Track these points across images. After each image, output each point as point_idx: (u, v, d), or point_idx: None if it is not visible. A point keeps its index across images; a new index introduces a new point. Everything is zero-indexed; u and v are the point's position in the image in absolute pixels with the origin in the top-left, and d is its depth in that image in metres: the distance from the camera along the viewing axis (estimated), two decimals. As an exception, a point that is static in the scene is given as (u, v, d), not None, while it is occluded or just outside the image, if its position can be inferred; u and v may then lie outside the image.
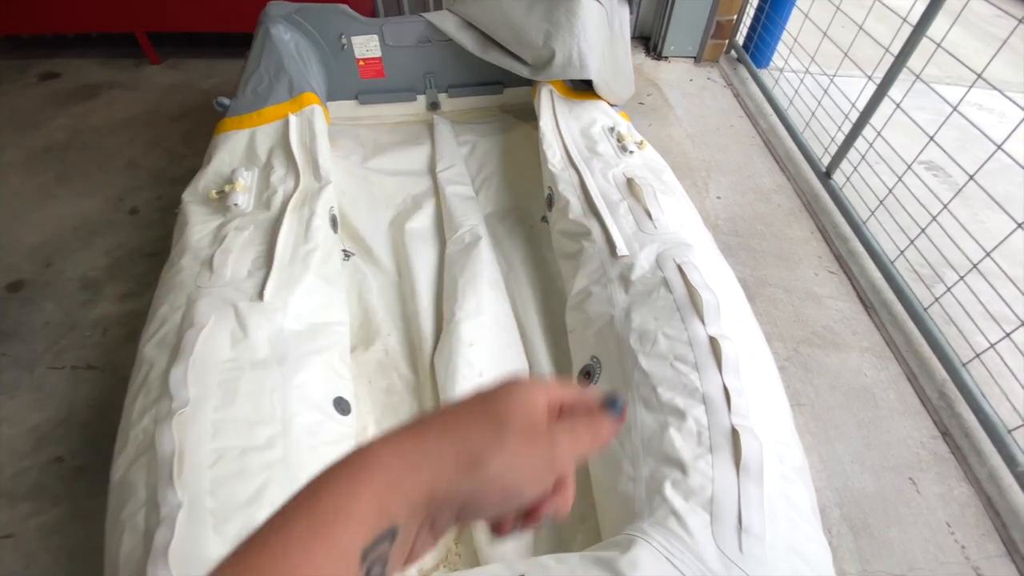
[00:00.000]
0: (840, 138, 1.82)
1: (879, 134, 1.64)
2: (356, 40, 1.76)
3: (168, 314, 1.08)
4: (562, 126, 1.59)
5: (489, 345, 1.24)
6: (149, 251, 1.62)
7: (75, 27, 2.50)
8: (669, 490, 0.78)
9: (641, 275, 1.14)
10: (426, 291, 1.41)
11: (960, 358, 1.29)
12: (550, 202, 1.47)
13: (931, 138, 1.41)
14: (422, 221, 1.59)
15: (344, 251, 1.46)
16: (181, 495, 0.78)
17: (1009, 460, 1.14)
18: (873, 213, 1.62)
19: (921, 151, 1.46)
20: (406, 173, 1.75)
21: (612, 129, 1.59)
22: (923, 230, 1.43)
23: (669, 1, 2.43)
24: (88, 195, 1.85)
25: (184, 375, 0.93)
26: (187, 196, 1.37)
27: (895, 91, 1.62)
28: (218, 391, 0.93)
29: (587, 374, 1.12)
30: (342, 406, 1.07)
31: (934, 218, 1.40)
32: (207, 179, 1.41)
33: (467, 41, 1.72)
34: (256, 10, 2.15)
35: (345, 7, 1.71)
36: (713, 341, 0.96)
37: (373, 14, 2.64)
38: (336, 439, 1.00)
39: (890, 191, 1.57)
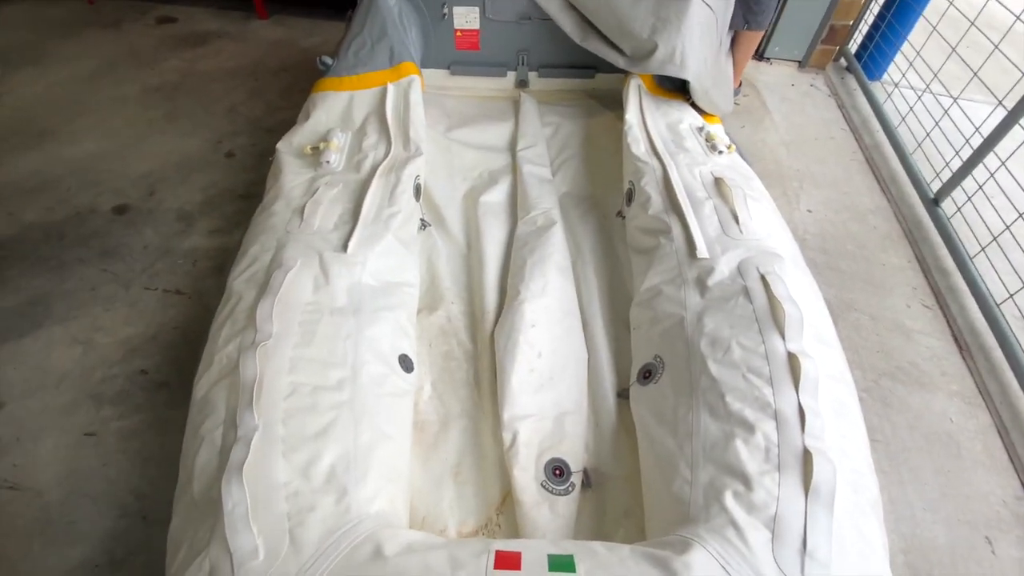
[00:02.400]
0: (956, 164, 1.67)
1: (1003, 164, 1.49)
2: (457, 11, 1.77)
3: (259, 253, 1.15)
4: (648, 120, 1.55)
5: (550, 328, 1.24)
6: (240, 193, 1.72)
7: (195, -24, 2.65)
8: (730, 500, 0.75)
9: (720, 280, 1.09)
10: (493, 266, 1.41)
11: (1065, 419, 1.17)
12: (630, 197, 1.43)
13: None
14: (497, 196, 1.59)
15: (422, 219, 1.49)
16: (258, 419, 0.83)
17: (1110, 539, 1.03)
18: (983, 249, 1.48)
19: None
20: (487, 148, 1.76)
21: (701, 129, 1.54)
22: (1043, 274, 1.29)
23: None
24: (191, 135, 1.97)
25: (270, 310, 0.98)
26: (282, 147, 1.44)
27: (1029, 120, 1.47)
28: (298, 330, 0.98)
29: (647, 373, 1.09)
30: (406, 363, 1.10)
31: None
32: (303, 134, 1.46)
33: (568, 24, 1.69)
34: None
35: (452, -25, 1.72)
36: (792, 357, 0.91)
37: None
38: (398, 393, 1.03)
39: (1007, 227, 1.43)
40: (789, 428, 0.82)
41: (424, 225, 1.50)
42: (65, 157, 1.85)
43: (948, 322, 1.45)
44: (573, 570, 0.66)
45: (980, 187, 1.56)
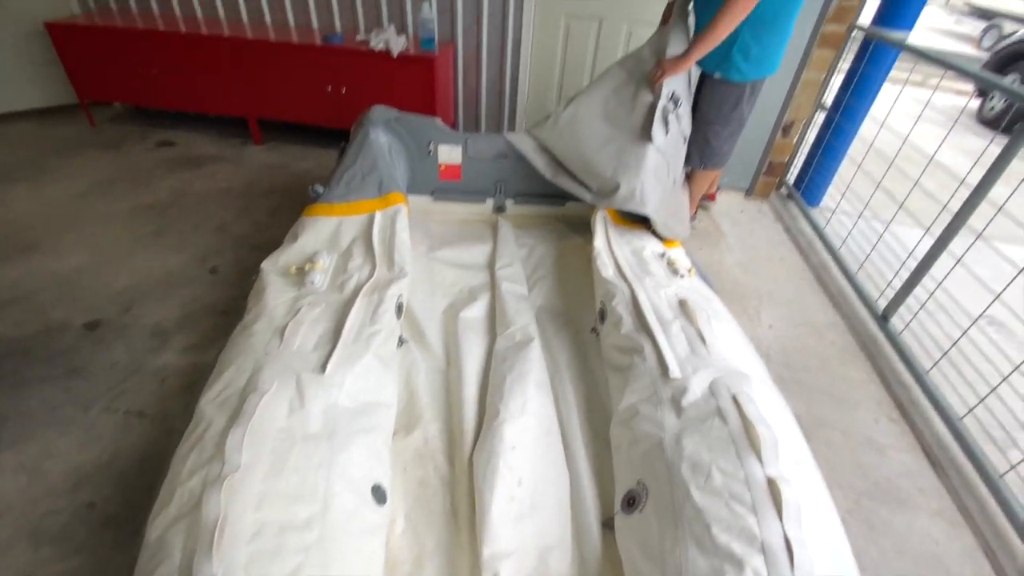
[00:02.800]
0: (897, 283, 1.82)
1: (940, 285, 1.64)
2: (442, 148, 1.97)
3: (234, 376, 1.13)
4: (614, 246, 1.68)
5: (530, 450, 1.22)
6: (221, 308, 1.73)
7: (196, 107, 2.89)
8: (725, 648, 0.71)
9: (694, 401, 1.12)
10: (472, 382, 1.42)
11: (1046, 539, 1.17)
12: (602, 315, 1.50)
13: (997, 296, 1.40)
14: (476, 312, 1.64)
15: (400, 336, 1.52)
16: (217, 567, 0.76)
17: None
18: (936, 364, 1.57)
19: (987, 308, 1.44)
20: (467, 266, 1.85)
21: (662, 255, 1.67)
22: (993, 389, 1.37)
23: (725, 139, 2.62)
24: (177, 250, 2.02)
25: (241, 439, 0.95)
26: (266, 265, 1.49)
27: (954, 245, 1.64)
28: (269, 459, 0.94)
29: (631, 501, 1.07)
30: (379, 494, 1.05)
31: (1005, 379, 1.35)
32: (289, 255, 1.53)
33: (540, 164, 1.89)
34: (352, 112, 2.45)
35: (437, 120, 1.93)
36: (771, 483, 0.92)
37: (453, 127, 2.96)
38: (370, 529, 0.98)
39: (954, 344, 1.54)
40: (778, 563, 0.81)
41: (402, 342, 1.51)
42: (46, 270, 1.86)
43: (916, 436, 1.49)
44: None
45: (922, 306, 1.70)
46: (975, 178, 1.54)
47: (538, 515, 1.11)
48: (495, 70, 2.87)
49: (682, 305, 1.40)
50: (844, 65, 2.40)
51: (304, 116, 2.78)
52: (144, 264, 1.93)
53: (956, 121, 1.80)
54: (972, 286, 1.50)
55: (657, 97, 1.70)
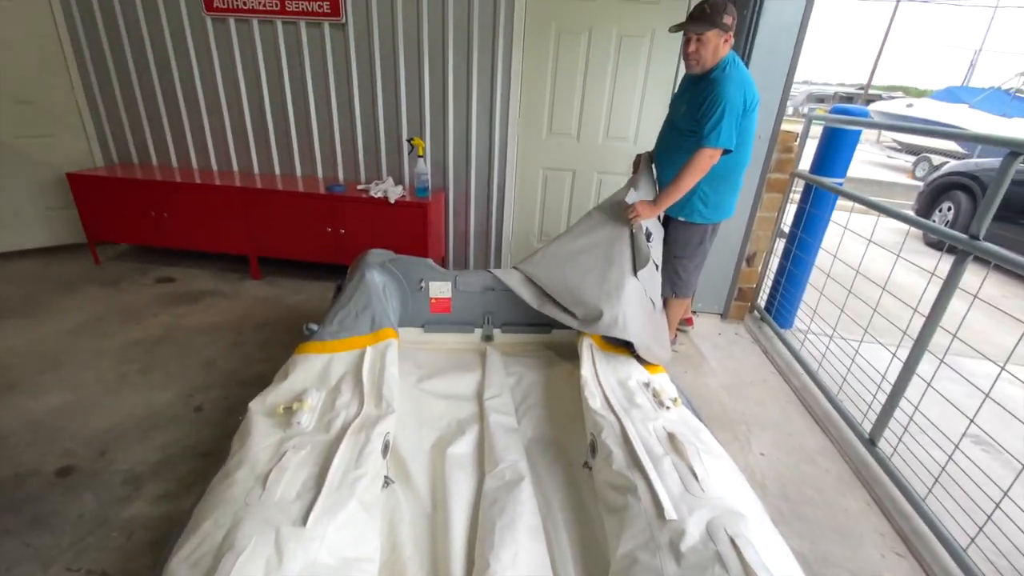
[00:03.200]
0: (877, 406, 1.86)
1: (917, 408, 1.68)
2: (433, 284, 2.09)
3: (210, 530, 1.08)
4: (601, 375, 1.73)
5: (523, 607, 1.14)
6: (202, 450, 1.68)
7: (201, 247, 3.06)
8: None
9: (692, 545, 1.09)
10: (459, 528, 1.35)
11: None
12: (593, 449, 1.50)
13: (971, 420, 1.44)
14: (464, 447, 1.62)
15: (386, 477, 1.48)
16: None
17: None
18: (931, 491, 1.56)
19: (965, 431, 1.47)
20: (455, 397, 1.86)
21: (647, 385, 1.72)
22: (989, 517, 1.35)
23: (696, 267, 2.83)
24: (162, 388, 2.01)
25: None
26: (254, 406, 1.48)
27: (926, 366, 1.72)
28: (237, 637, 0.87)
29: (635, 661, 0.99)
30: (356, 671, 0.95)
31: (997, 505, 1.34)
32: (278, 394, 1.53)
33: (526, 295, 2.01)
34: (349, 250, 2.61)
35: (429, 260, 2.09)
36: (781, 640, 0.87)
37: (443, 263, 3.17)
38: None
39: (943, 469, 1.54)
40: None
41: (387, 482, 1.47)
42: (24, 410, 1.82)
43: (925, 571, 1.42)
44: None
45: (905, 429, 1.72)
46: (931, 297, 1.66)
47: None
48: (482, 214, 3.15)
49: (671, 439, 1.41)
50: (797, 198, 2.69)
51: (303, 254, 2.96)
52: (127, 403, 1.90)
53: (902, 246, 2.00)
54: (951, 405, 1.54)
55: (633, 233, 1.89)
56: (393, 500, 1.44)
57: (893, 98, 14.77)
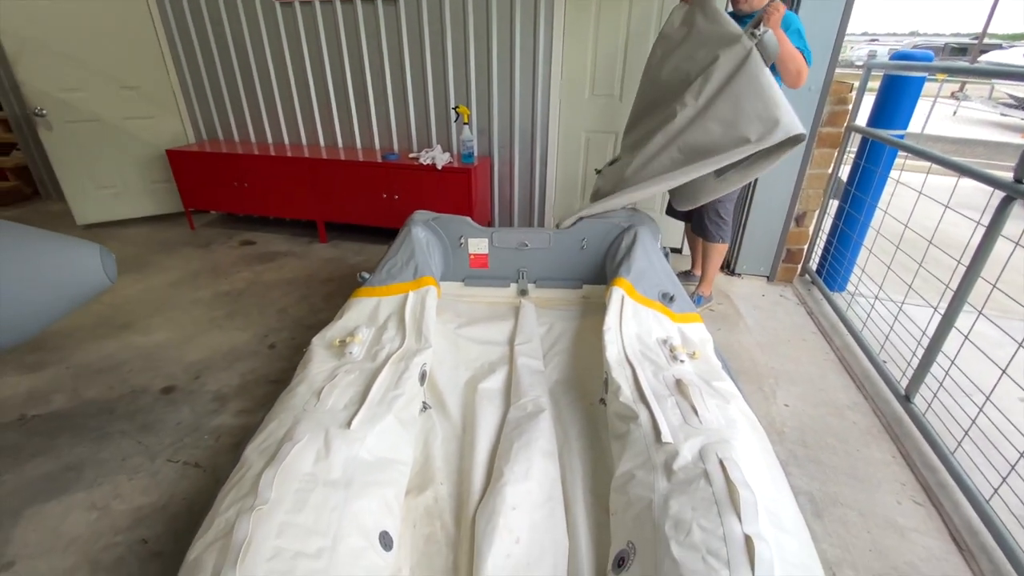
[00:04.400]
0: (916, 362, 1.81)
1: (952, 363, 1.63)
2: (471, 241, 2.25)
3: (275, 428, 1.33)
4: (624, 326, 1.81)
5: (531, 512, 1.29)
6: (274, 379, 1.97)
7: (276, 213, 3.42)
8: None
9: (683, 465, 1.18)
10: (484, 447, 1.53)
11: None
12: (606, 386, 1.61)
13: (1003, 371, 1.40)
14: (493, 383, 1.78)
15: (424, 403, 1.67)
16: (238, 579, 0.90)
17: None
18: (960, 444, 1.53)
19: (995, 385, 1.43)
20: (489, 342, 2.02)
21: (665, 341, 1.77)
22: (1013, 467, 1.32)
23: (741, 227, 2.78)
24: (243, 330, 2.34)
25: (272, 479, 1.12)
26: (316, 340, 1.73)
27: (967, 320, 1.65)
28: (293, 497, 1.10)
29: (621, 561, 1.11)
30: (386, 541, 1.15)
31: (1022, 455, 1.31)
32: (335, 330, 1.77)
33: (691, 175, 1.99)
34: (403, 215, 2.83)
35: (468, 219, 2.25)
36: (748, 540, 0.96)
37: (490, 223, 3.33)
38: (372, 570, 1.07)
39: (973, 421, 1.50)
40: (743, 610, 0.84)
41: (425, 407, 1.67)
42: (136, 345, 2.20)
43: (944, 520, 1.42)
44: None
45: (941, 384, 1.68)
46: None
47: (533, 572, 1.16)
48: (526, 178, 3.26)
49: (678, 384, 1.49)
50: (853, 157, 2.57)
51: (363, 218, 3.23)
52: (215, 340, 2.25)
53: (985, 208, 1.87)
54: (987, 357, 1.48)
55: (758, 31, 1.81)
56: (429, 423, 1.64)
57: (1014, 47, 12.90)
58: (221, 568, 0.94)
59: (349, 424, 1.32)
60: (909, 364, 1.85)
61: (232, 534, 1.00)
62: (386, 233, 3.46)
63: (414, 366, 1.59)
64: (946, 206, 1.85)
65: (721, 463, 1.15)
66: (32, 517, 1.38)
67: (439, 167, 2.89)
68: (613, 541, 1.20)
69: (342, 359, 1.62)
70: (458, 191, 2.93)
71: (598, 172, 2.49)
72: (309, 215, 3.33)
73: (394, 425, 1.41)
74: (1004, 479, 1.35)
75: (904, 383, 1.84)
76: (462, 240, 2.27)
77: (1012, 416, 1.53)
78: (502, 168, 3.26)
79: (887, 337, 2.03)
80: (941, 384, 1.68)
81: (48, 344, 2.20)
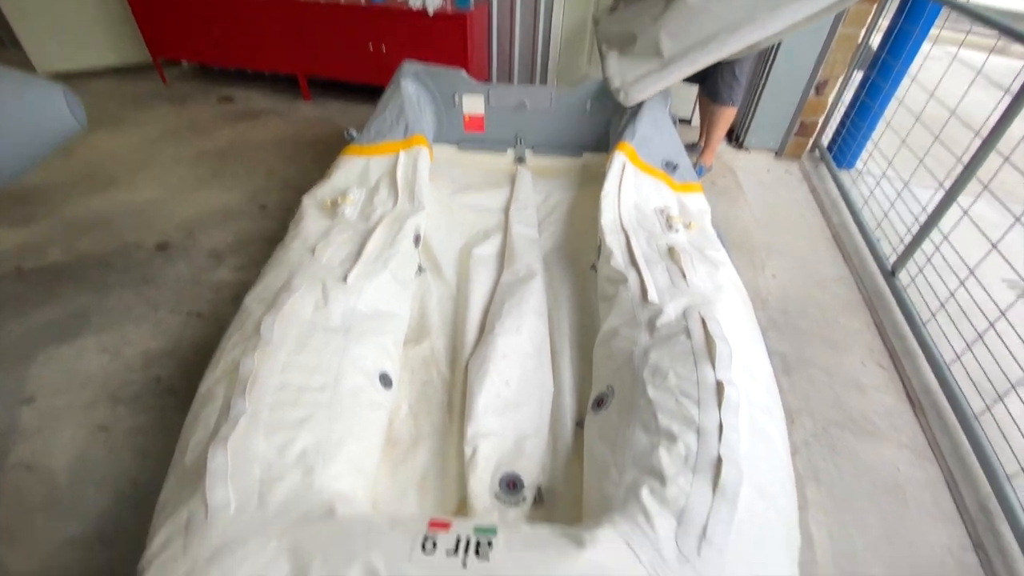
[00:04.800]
0: (909, 239, 1.82)
1: (946, 238, 1.64)
2: (466, 99, 2.10)
3: (272, 281, 1.34)
4: (623, 193, 1.76)
5: (520, 362, 1.37)
6: (267, 237, 1.96)
7: (253, 65, 3.14)
8: (645, 495, 0.84)
9: (666, 322, 1.23)
10: (477, 306, 1.58)
11: (1007, 473, 1.22)
12: (599, 250, 1.62)
13: (994, 246, 1.40)
14: (488, 249, 1.79)
15: (420, 266, 1.69)
16: (248, 405, 0.97)
17: (1050, 589, 1.05)
18: (934, 315, 1.59)
19: (984, 256, 1.45)
20: (485, 209, 1.99)
21: (663, 211, 1.73)
22: (980, 336, 1.39)
23: (755, 95, 2.60)
24: (231, 189, 2.27)
25: (273, 323, 1.15)
26: (307, 199, 1.68)
27: (972, 201, 1.63)
28: (294, 340, 1.14)
29: (600, 401, 1.21)
30: (385, 381, 1.23)
31: (991, 325, 1.37)
32: (325, 190, 1.72)
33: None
34: (391, 70, 2.60)
35: (463, 71, 2.06)
36: (719, 385, 1.03)
37: (488, 80, 3.08)
38: (374, 406, 1.16)
39: (952, 294, 1.55)
40: (708, 440, 0.93)
41: (421, 270, 1.69)
42: (124, 201, 2.16)
43: (903, 381, 1.53)
44: (494, 533, 0.75)
45: (928, 259, 1.70)
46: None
47: (520, 411, 1.27)
48: (528, 31, 2.95)
49: (671, 251, 1.49)
50: (884, 23, 2.32)
51: (347, 74, 2.97)
52: (205, 199, 2.20)
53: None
54: (981, 232, 1.48)
55: None
56: (425, 284, 1.68)
57: None
58: (231, 397, 1.01)
59: (346, 278, 1.34)
60: (902, 240, 1.86)
61: (238, 369, 1.06)
62: (373, 92, 3.21)
63: (408, 227, 1.58)
64: (978, 71, 1.71)
65: (703, 320, 1.19)
66: (45, 360, 1.46)
67: (430, 12, 2.59)
68: (594, 387, 1.29)
69: (335, 219, 1.60)
70: (452, 41, 2.66)
71: (596, 23, 2.23)
72: (289, 68, 3.06)
73: (390, 281, 1.43)
74: (969, 346, 1.43)
75: (893, 259, 1.87)
76: (456, 98, 2.11)
77: (992, 295, 1.57)
78: (502, 17, 2.92)
79: (886, 214, 2.01)
80: (929, 259, 1.70)
81: (34, 198, 2.14)
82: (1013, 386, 1.28)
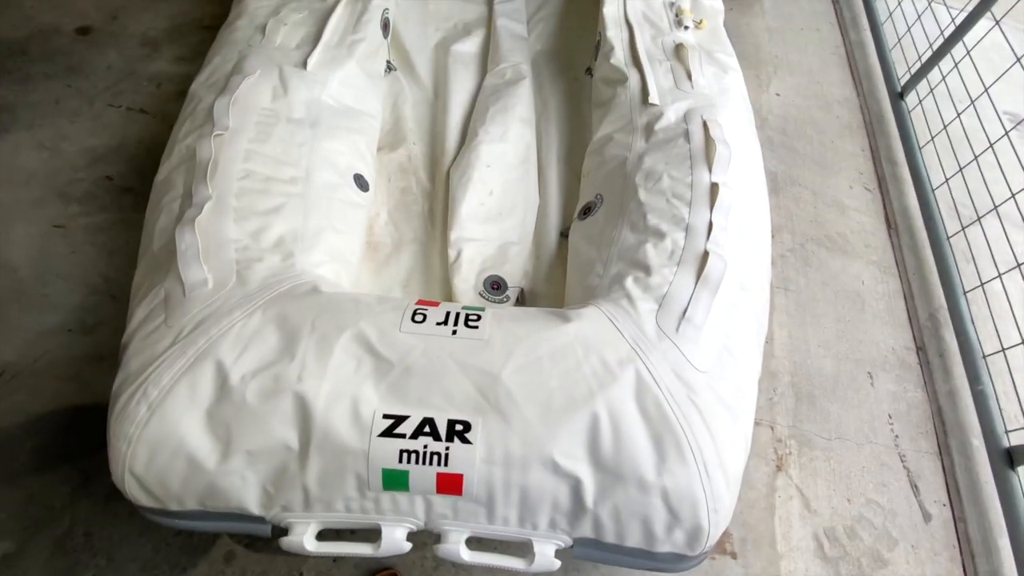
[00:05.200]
0: (928, 57, 1.68)
1: (968, 53, 1.51)
2: None
3: (220, 64, 1.16)
4: None
5: (505, 173, 1.29)
6: (207, 24, 1.68)
7: None
8: (630, 283, 0.85)
9: (666, 125, 1.14)
10: (457, 112, 1.44)
11: (964, 287, 1.29)
12: (597, 47, 1.44)
13: (1002, 75, 1.30)
14: (469, 47, 1.58)
15: (388, 62, 1.49)
16: (211, 191, 0.89)
17: (974, 379, 1.18)
18: (932, 139, 1.54)
19: (995, 82, 1.35)
20: (464, -1, 1.71)
21: (672, 4, 1.51)
22: (975, 158, 1.36)
23: None
24: (156, -37, 1.87)
25: (227, 107, 1.02)
26: (248, -29, 1.39)
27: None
28: (254, 129, 1.02)
29: (587, 210, 1.16)
30: (361, 182, 1.15)
31: (980, 153, 1.33)
32: (268, -46, 1.41)
33: None
34: None
35: None
36: (714, 187, 0.99)
37: None
38: (351, 204, 1.09)
39: (957, 116, 1.48)
40: (696, 237, 0.91)
41: (390, 68, 1.49)
42: (23, -25, 1.76)
43: (884, 204, 1.54)
44: (483, 311, 0.76)
45: (944, 77, 1.59)
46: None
47: (504, 221, 1.23)
48: None
49: (677, 49, 1.33)
50: None
51: None
52: (123, -26, 1.81)
53: None
54: (1006, 76, 1.36)
55: None
56: (397, 86, 1.49)
57: None
58: (191, 183, 0.92)
59: (305, 64, 1.17)
60: (920, 58, 1.71)
61: (196, 156, 0.95)
62: None
63: (374, 8, 1.34)
64: None
65: (704, 123, 1.11)
66: (-24, 154, 1.30)
67: None
68: (581, 197, 1.25)
69: None
70: None
71: None
72: None
73: (358, 74, 1.26)
74: (960, 170, 1.40)
75: (905, 80, 1.74)
76: None
77: (990, 126, 1.48)
78: None
79: (909, 28, 1.82)
80: (944, 78, 1.58)
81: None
82: (996, 207, 1.29)
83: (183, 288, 0.77)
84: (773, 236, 1.39)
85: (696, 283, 0.83)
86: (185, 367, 0.68)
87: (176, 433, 0.66)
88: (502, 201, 1.26)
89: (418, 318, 0.74)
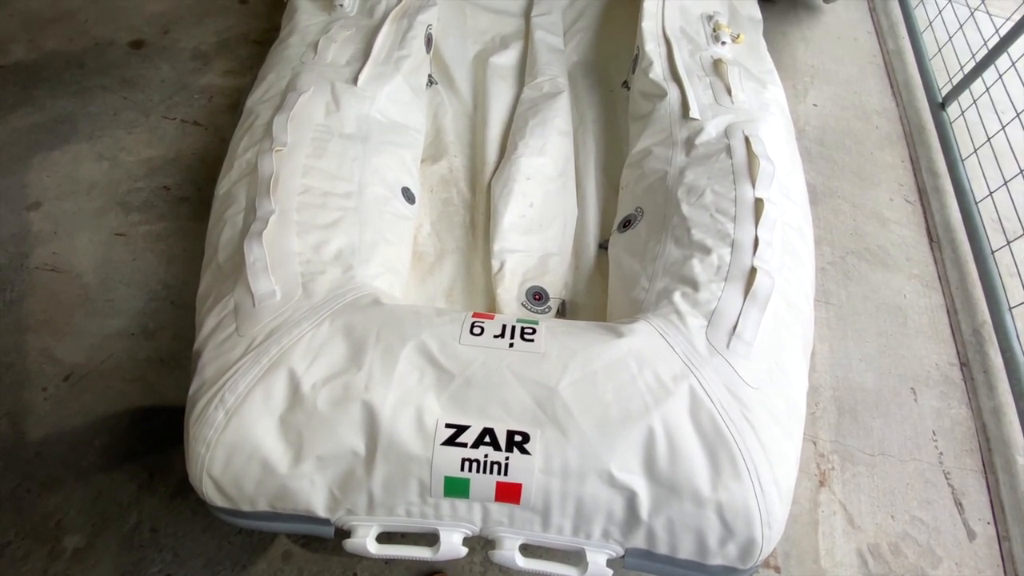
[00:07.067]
0: (971, 67, 1.65)
1: (1013, 64, 1.48)
2: None
3: (274, 80, 1.21)
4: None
5: (544, 184, 1.32)
6: (254, 38, 1.74)
7: None
8: (678, 298, 0.86)
9: (707, 140, 1.15)
10: (496, 124, 1.47)
11: (1009, 302, 1.27)
12: (635, 62, 1.45)
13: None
14: (507, 59, 1.61)
15: (430, 76, 1.52)
16: (274, 205, 0.93)
17: (1019, 396, 1.16)
18: (976, 151, 1.52)
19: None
20: (502, 12, 1.74)
21: (710, 18, 1.52)
22: (1022, 171, 1.34)
23: None
24: (205, -21, 1.94)
25: (285, 123, 1.06)
26: (296, -11, 1.44)
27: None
28: (310, 145, 1.06)
29: (627, 222, 1.18)
30: (408, 195, 1.19)
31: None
32: (319, -24, 1.46)
33: None
34: None
35: None
36: (758, 202, 1.00)
37: None
38: (399, 216, 1.13)
39: (1002, 128, 1.45)
40: (742, 252, 0.92)
41: (431, 82, 1.53)
42: (82, -10, 1.85)
43: (926, 217, 1.52)
44: (537, 324, 0.79)
45: (987, 89, 1.57)
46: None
47: (544, 232, 1.26)
48: None
49: (716, 65, 1.34)
50: None
51: None
52: (174, -10, 1.89)
53: None
54: None
55: None
56: (438, 99, 1.53)
57: None
58: (255, 197, 0.96)
59: (355, 80, 1.21)
60: (962, 69, 1.69)
61: (257, 170, 1.00)
62: None
63: (418, 24, 1.38)
64: None
65: (746, 138, 1.12)
66: (41, 164, 1.37)
67: None
68: (620, 210, 1.26)
69: (333, 13, 1.39)
70: None
71: None
72: None
73: (404, 89, 1.30)
74: (1005, 183, 1.38)
75: (947, 90, 1.72)
76: None
77: None
78: None
79: (950, 38, 1.80)
80: (987, 89, 1.56)
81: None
82: (1042, 220, 1.27)
83: (253, 299, 0.80)
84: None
85: (744, 299, 0.85)
86: (260, 375, 0.72)
87: (251, 438, 0.70)
88: (542, 213, 1.28)
89: (476, 331, 0.77)
